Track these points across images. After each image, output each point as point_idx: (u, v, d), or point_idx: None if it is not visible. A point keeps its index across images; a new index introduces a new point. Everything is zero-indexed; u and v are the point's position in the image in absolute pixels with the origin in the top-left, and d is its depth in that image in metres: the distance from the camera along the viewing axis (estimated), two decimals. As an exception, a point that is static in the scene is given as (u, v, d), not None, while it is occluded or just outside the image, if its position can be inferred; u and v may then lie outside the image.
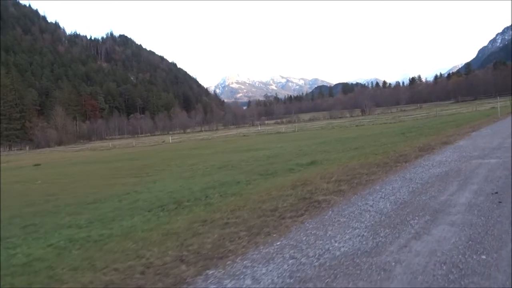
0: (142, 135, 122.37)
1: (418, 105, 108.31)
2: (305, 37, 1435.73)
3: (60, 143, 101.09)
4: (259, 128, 70.38)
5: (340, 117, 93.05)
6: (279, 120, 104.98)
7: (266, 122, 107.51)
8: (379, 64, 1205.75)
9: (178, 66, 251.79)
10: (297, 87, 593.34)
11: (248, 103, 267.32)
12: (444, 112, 52.49)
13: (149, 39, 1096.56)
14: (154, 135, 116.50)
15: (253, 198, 6.40)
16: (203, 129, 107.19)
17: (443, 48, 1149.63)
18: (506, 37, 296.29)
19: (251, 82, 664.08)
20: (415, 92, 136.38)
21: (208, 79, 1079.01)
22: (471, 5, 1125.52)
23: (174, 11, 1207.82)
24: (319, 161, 12.09)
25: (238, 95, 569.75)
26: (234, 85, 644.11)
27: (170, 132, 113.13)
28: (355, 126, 48.38)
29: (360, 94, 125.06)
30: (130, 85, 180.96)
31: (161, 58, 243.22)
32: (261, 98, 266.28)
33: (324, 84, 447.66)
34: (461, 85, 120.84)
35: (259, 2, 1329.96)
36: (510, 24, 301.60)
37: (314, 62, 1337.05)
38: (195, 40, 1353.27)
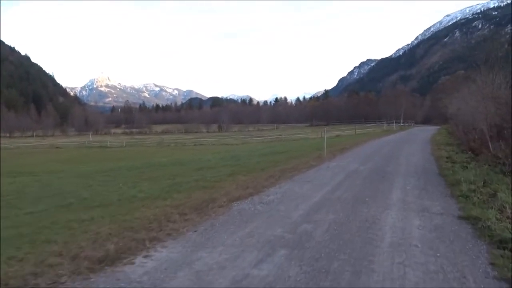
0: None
1: (275, 125, 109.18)
2: (181, 48, 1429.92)
3: None
4: (91, 139, 59.34)
5: (195, 132, 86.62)
6: (128, 130, 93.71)
7: (112, 131, 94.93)
8: (253, 83, 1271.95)
9: (33, 61, 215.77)
10: (171, 97, 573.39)
11: (112, 109, 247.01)
12: (291, 136, 49.84)
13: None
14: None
15: None
16: (34, 134, 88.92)
17: (312, 74, 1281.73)
18: (361, 70, 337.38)
19: (122, 87, 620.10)
20: (276, 112, 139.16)
21: (73, 79, 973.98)
22: (336, 39, 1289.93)
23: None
24: None
25: (107, 100, 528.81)
26: (104, 89, 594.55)
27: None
28: (193, 145, 41.93)
29: (224, 109, 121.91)
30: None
31: (12, 49, 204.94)
32: (132, 105, 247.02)
33: (198, 97, 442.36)
34: (317, 110, 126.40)
35: (129, 5, 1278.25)
36: (365, 60, 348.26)
37: (191, 74, 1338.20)
38: (58, 34, 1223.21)
